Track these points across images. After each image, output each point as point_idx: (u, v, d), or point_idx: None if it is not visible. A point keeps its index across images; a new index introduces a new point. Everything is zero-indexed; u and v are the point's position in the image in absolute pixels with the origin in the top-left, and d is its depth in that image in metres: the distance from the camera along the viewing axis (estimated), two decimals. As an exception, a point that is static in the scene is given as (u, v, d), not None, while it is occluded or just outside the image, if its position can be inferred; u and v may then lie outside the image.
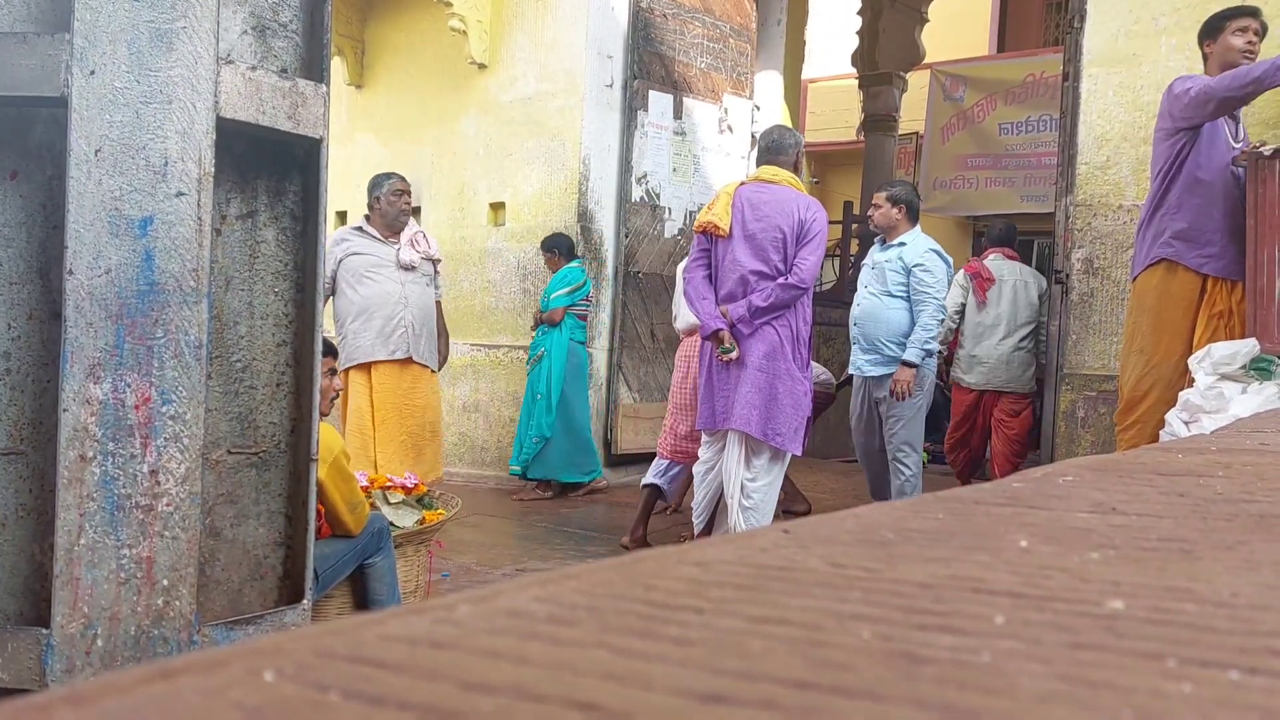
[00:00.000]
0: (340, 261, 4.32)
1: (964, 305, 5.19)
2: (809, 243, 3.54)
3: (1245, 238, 3.25)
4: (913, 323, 4.04)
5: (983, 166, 9.59)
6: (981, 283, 5.13)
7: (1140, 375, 3.46)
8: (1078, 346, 4.28)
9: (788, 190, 3.61)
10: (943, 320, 4.02)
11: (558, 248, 5.47)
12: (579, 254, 5.57)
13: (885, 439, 4.24)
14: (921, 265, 4.01)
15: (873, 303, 4.17)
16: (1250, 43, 3.27)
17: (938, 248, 4.11)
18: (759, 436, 3.51)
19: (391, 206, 4.36)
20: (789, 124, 7.25)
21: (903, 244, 4.11)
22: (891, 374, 4.06)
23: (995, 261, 5.21)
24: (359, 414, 4.36)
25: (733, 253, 3.58)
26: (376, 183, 4.43)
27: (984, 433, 5.31)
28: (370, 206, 4.43)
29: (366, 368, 4.33)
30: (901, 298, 4.08)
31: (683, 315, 4.45)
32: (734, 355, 3.53)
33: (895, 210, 4.15)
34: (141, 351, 1.61)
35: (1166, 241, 3.39)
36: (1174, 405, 3.22)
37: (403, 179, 4.48)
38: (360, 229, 4.43)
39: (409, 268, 4.39)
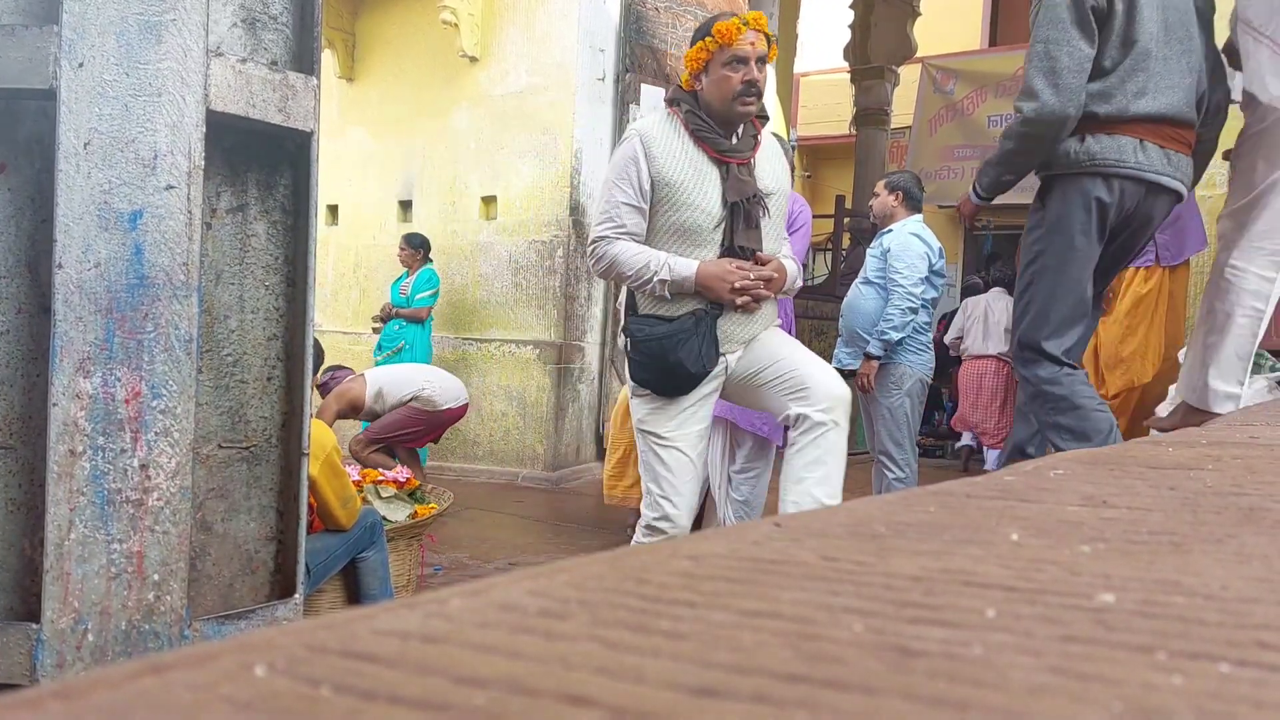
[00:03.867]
0: None
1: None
2: (797, 233, 3.56)
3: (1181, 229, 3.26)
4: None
5: (969, 157, 9.60)
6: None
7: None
8: (1068, 340, 4.29)
9: None
10: (914, 309, 3.71)
11: (423, 246, 5.71)
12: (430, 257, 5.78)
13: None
14: (891, 250, 3.80)
15: (853, 293, 3.98)
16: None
17: (920, 232, 3.85)
18: (744, 426, 3.51)
19: None
20: (782, 118, 7.26)
21: (890, 231, 3.92)
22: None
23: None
24: None
25: None
26: None
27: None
28: None
29: None
30: (877, 285, 3.87)
31: None
32: None
33: (891, 197, 3.95)
34: (131, 346, 1.60)
35: None
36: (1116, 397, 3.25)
37: None
38: None
39: None
